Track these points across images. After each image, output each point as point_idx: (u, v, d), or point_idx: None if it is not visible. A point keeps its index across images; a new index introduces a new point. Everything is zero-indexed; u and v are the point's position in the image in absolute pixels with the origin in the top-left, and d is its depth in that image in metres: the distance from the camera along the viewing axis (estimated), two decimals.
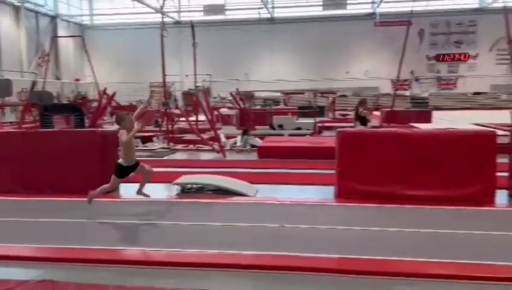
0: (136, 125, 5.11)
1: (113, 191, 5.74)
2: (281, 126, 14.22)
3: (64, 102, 20.29)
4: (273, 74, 32.22)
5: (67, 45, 31.33)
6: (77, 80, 32.16)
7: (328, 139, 10.77)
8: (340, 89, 26.54)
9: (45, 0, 29.47)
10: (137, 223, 4.85)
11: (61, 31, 30.78)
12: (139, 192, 5.50)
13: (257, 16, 32.11)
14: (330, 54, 31.99)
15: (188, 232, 4.52)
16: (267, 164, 8.62)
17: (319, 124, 14.78)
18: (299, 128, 14.04)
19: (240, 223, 4.70)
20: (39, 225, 4.86)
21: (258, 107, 19.70)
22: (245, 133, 11.65)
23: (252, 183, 6.62)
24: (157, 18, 31.58)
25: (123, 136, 5.00)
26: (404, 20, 16.94)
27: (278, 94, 24.52)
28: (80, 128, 7.20)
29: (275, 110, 17.83)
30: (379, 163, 5.67)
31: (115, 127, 16.07)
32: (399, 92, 18.53)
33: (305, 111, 16.68)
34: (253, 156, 9.87)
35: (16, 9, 27.10)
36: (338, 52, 32.06)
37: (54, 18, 30.92)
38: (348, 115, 18.73)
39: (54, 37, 23.76)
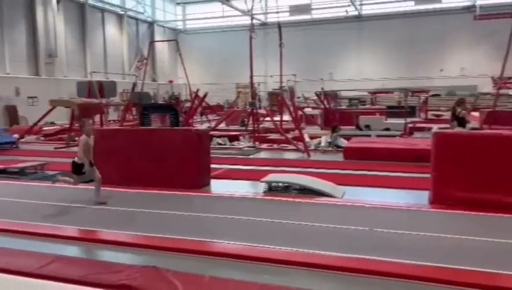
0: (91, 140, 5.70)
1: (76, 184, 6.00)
2: (368, 126, 13.78)
3: (160, 102, 21.80)
4: (359, 72, 31.31)
5: (162, 49, 33.62)
6: (171, 81, 34.35)
7: (420, 141, 10.22)
8: (432, 87, 24.94)
9: (144, 8, 31.93)
10: (227, 218, 5.05)
11: (158, 36, 33.12)
12: (97, 201, 5.70)
13: (344, 14, 31.44)
14: (422, 51, 30.18)
15: (275, 229, 4.62)
16: (354, 165, 8.44)
17: (410, 125, 14.06)
18: (387, 129, 13.48)
19: (327, 224, 4.68)
20: (141, 214, 5.31)
21: (343, 107, 19.28)
22: (334, 131, 11.50)
23: (338, 184, 6.54)
24: (244, 21, 32.58)
25: (82, 139, 5.62)
26: (509, 12, 15.37)
27: (365, 93, 23.76)
28: (175, 127, 7.72)
29: (361, 110, 17.33)
30: (480, 168, 5.23)
31: (205, 126, 16.80)
32: (502, 91, 16.85)
33: (394, 111, 15.94)
34: (339, 157, 9.72)
35: (120, 18, 29.76)
36: (430, 49, 30.11)
37: (151, 24, 33.39)
38: (441, 115, 17.54)
39: (152, 42, 25.62)
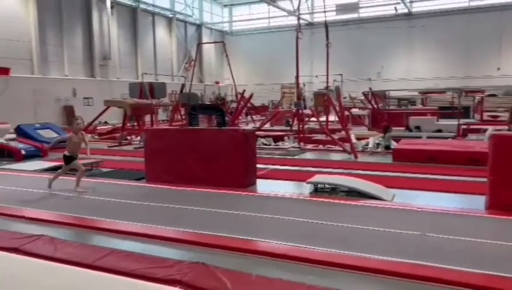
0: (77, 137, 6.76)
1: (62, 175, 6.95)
2: (418, 128, 13.30)
3: (207, 103, 22.23)
4: (408, 72, 30.31)
5: (209, 51, 34.29)
6: (217, 82, 34.97)
7: (475, 143, 9.74)
8: (488, 87, 23.64)
9: (192, 11, 32.71)
10: (273, 218, 5.07)
11: (205, 38, 33.81)
12: (76, 188, 6.56)
13: (393, 12, 30.55)
14: (477, 49, 28.71)
15: (321, 231, 4.57)
16: (404, 168, 8.19)
17: (464, 126, 13.43)
18: (439, 131, 12.95)
19: (376, 227, 4.57)
20: (189, 212, 5.45)
21: (392, 107, 18.74)
22: (386, 131, 11.21)
23: (387, 187, 6.38)
24: (289, 21, 32.53)
25: (69, 136, 6.74)
26: None
27: (415, 93, 22.95)
28: (221, 127, 7.84)
29: (411, 111, 16.75)
30: None
31: (250, 126, 16.90)
32: None
33: (447, 112, 15.28)
34: (388, 159, 9.46)
35: (169, 21, 30.69)
36: (486, 47, 28.57)
37: (199, 26, 34.15)
38: (498, 116, 16.59)
39: (199, 44, 26.22)
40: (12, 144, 11.23)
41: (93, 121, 15.98)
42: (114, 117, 19.54)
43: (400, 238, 4.28)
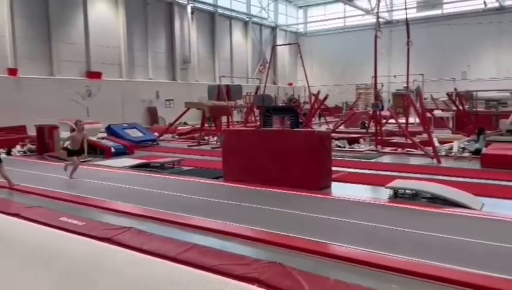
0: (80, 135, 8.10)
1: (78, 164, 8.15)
2: (510, 131, 12.18)
3: (281, 104, 22.41)
4: (498, 71, 27.82)
5: (283, 52, 34.46)
6: (290, 84, 35.02)
7: None
8: None
9: (268, 13, 33.12)
10: (349, 222, 4.95)
11: (279, 40, 34.05)
12: (71, 175, 7.96)
13: (481, 6, 28.24)
14: None
15: (401, 238, 4.38)
16: (494, 175, 7.56)
17: None
18: None
19: (462, 237, 4.28)
20: (264, 211, 5.53)
21: (479, 109, 17.32)
22: (481, 133, 10.43)
23: (475, 195, 5.92)
24: (365, 20, 31.56)
25: (72, 134, 8.14)
26: None
27: (506, 94, 21.00)
28: (295, 128, 7.86)
29: (502, 113, 15.36)
30: None
31: (323, 127, 16.69)
32: None
33: None
34: (475, 165, 8.80)
35: (245, 24, 31.40)
36: None
37: (273, 29, 34.49)
38: None
39: (274, 46, 26.48)
40: (104, 142, 12.26)
41: (174, 122, 16.86)
42: (193, 118, 20.44)
43: (490, 250, 3.96)
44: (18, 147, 12.71)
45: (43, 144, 11.88)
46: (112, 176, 8.46)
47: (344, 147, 12.44)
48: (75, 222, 5.15)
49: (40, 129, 12.06)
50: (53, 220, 5.26)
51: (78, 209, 5.93)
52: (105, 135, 13.64)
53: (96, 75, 20.29)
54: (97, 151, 11.69)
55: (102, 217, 5.51)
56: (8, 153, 11.91)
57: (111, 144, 12.11)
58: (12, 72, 17.22)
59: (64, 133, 12.78)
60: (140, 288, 3.38)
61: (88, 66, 20.32)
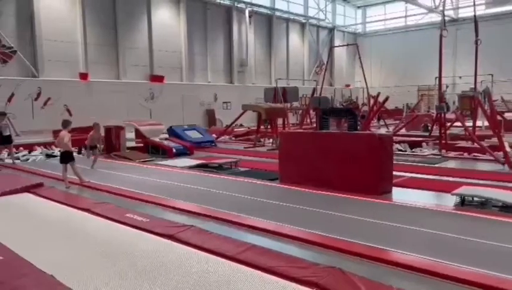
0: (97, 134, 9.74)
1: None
2: None
3: (338, 106, 22.03)
4: None
5: (340, 53, 33.87)
6: (347, 85, 34.33)
7: None
8: None
9: (325, 15, 32.73)
10: (411, 229, 4.76)
11: (337, 41, 33.51)
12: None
13: None
14: None
15: (468, 248, 4.13)
16: None
17: None
18: None
19: None
20: (322, 215, 5.47)
21: None
22: None
23: None
24: (428, 18, 30.17)
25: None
26: None
27: None
28: (353, 131, 7.69)
29: None
30: None
31: (382, 130, 16.18)
32: None
33: None
34: None
35: (302, 26, 31.26)
36: None
37: (331, 30, 34.01)
38: None
39: (332, 47, 26.11)
40: (166, 142, 12.78)
41: (232, 124, 17.18)
42: (250, 120, 20.70)
43: None
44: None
45: (111, 143, 12.59)
46: (173, 175, 8.80)
47: (405, 151, 11.98)
48: (140, 218, 5.41)
49: (108, 130, 12.78)
50: (120, 216, 5.57)
51: (143, 207, 6.23)
52: (167, 136, 14.19)
53: (159, 78, 21.21)
54: (159, 151, 12.20)
55: (165, 215, 5.74)
56: (79, 152, 12.77)
57: (172, 144, 12.59)
58: (84, 76, 18.48)
59: (129, 134, 13.51)
60: (201, 284, 3.51)
61: (151, 70, 21.30)
